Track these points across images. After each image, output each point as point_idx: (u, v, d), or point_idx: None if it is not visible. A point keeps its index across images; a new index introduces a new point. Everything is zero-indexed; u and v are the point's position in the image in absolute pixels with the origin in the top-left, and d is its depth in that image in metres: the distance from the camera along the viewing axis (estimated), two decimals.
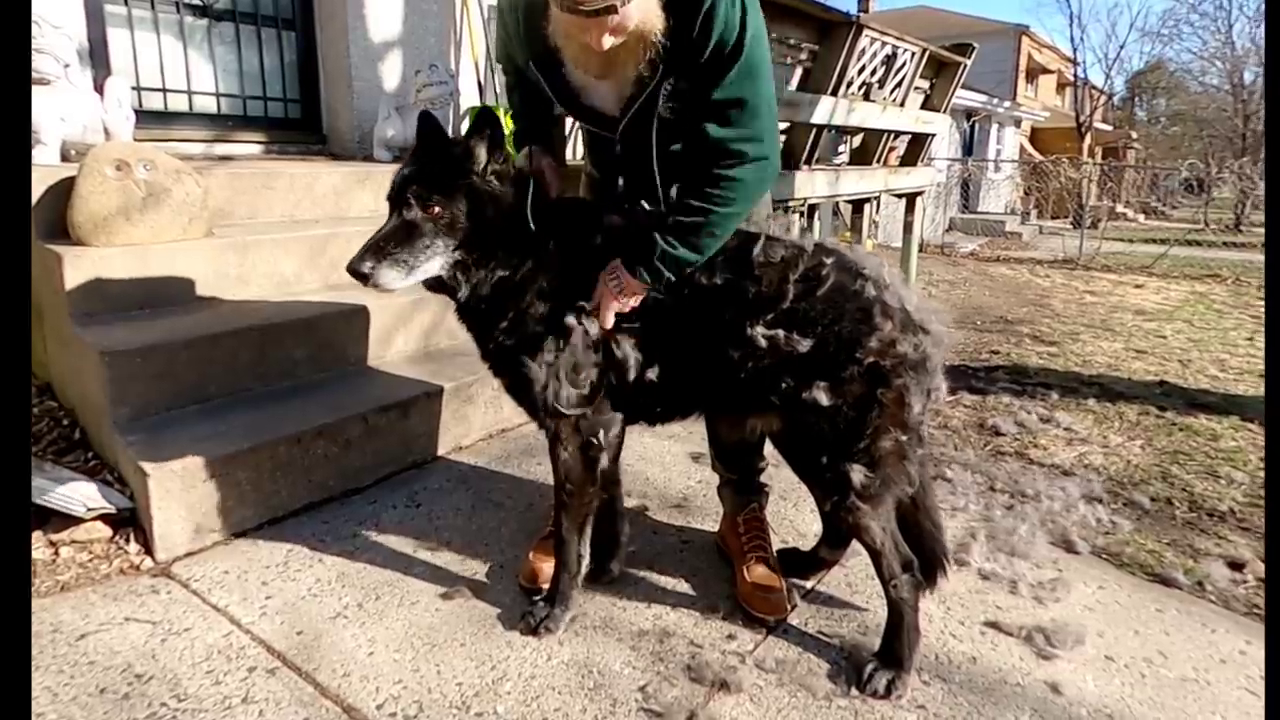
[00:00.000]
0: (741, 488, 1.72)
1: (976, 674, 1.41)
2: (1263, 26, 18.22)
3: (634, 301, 1.37)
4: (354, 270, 1.26)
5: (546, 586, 1.57)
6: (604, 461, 1.47)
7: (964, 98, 13.05)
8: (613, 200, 1.58)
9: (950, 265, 7.80)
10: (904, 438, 1.33)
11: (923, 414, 1.36)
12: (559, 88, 1.46)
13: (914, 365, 1.32)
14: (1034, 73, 23.93)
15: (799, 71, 4.05)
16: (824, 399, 1.31)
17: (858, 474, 1.32)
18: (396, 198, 1.30)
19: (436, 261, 1.30)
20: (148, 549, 1.64)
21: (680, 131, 1.40)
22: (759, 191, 1.40)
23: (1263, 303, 5.81)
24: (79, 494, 1.66)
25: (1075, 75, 21.53)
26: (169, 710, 1.24)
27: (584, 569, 1.52)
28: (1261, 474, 2.40)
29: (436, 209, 1.27)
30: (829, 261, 1.35)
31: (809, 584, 1.66)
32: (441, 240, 1.28)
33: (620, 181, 1.59)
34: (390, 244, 1.26)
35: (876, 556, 1.38)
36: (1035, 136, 20.19)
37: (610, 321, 1.36)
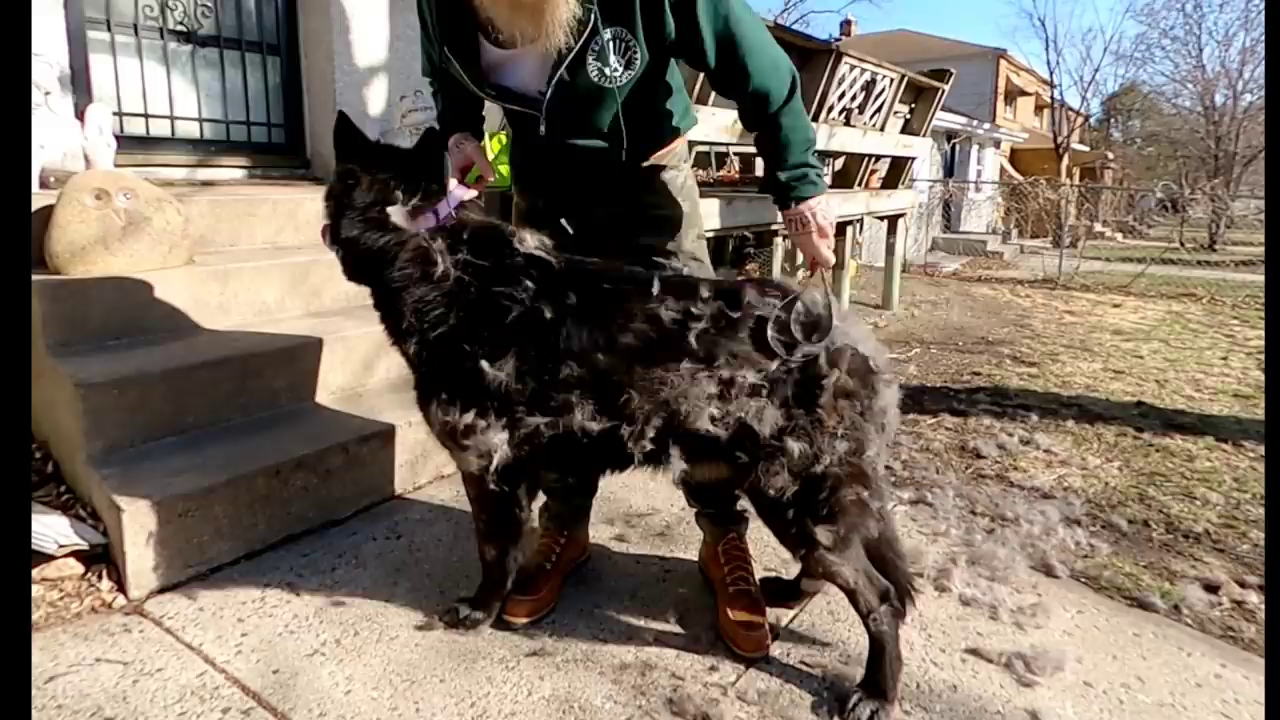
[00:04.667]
0: (720, 519, 1.71)
1: (957, 702, 1.41)
2: (1232, 49, 18.78)
3: (833, 216, 1.44)
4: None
5: (525, 621, 1.57)
6: (514, 494, 1.47)
7: (944, 120, 13.32)
8: (535, 220, 1.56)
9: (933, 285, 7.90)
10: (864, 489, 1.33)
11: (879, 454, 1.36)
12: (476, 70, 1.44)
13: (866, 410, 1.32)
14: (1012, 95, 24.49)
15: None
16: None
17: (823, 532, 1.32)
18: None
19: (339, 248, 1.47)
20: (120, 586, 1.61)
21: (626, 96, 1.40)
22: (790, 81, 1.42)
23: (1237, 323, 5.94)
24: (51, 530, 1.63)
25: (1052, 97, 22.06)
26: None
27: (509, 584, 1.56)
28: (1236, 494, 2.44)
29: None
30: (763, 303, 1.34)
31: (792, 612, 1.66)
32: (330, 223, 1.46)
33: (541, 203, 1.59)
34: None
35: (852, 594, 1.38)
36: (1015, 157, 20.61)
37: (830, 255, 1.42)
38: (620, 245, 1.56)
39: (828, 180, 1.45)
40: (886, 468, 2.55)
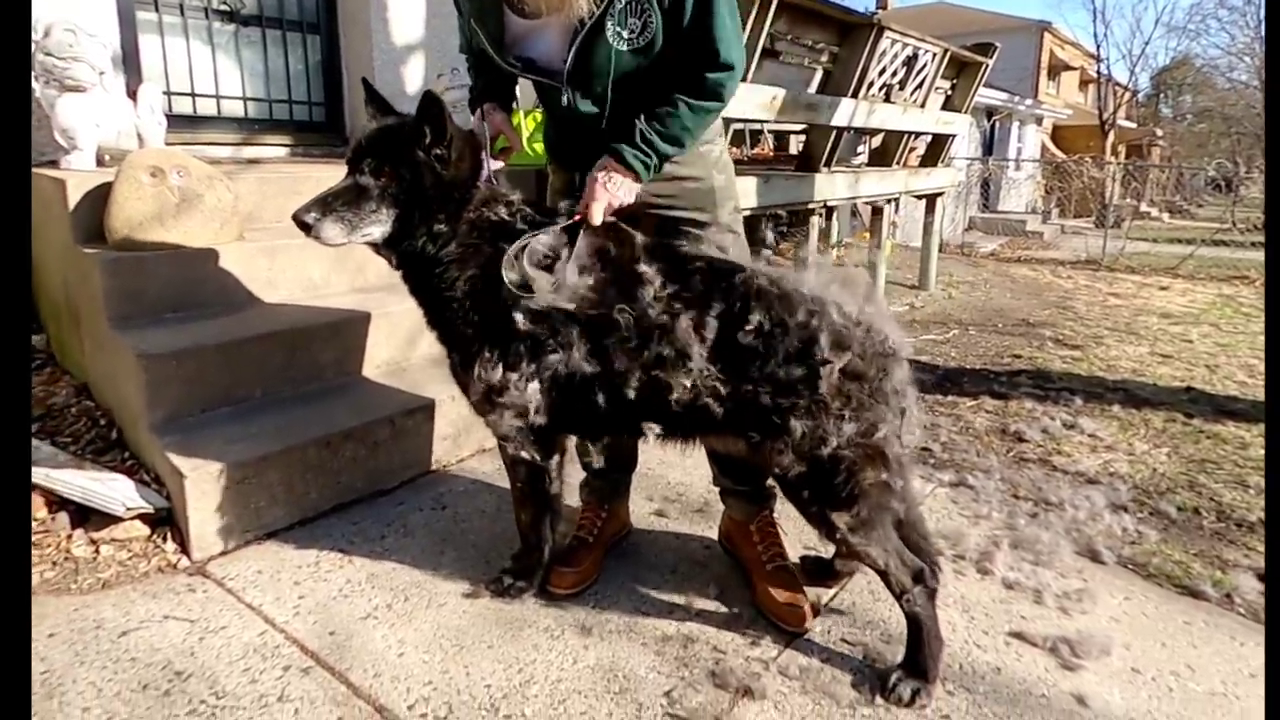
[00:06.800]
0: (752, 496, 1.71)
1: (1001, 684, 1.41)
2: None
3: (625, 197, 1.41)
4: (298, 219, 1.32)
5: (568, 591, 1.61)
6: (545, 465, 1.50)
7: (985, 96, 12.88)
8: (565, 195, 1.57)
9: (970, 266, 7.72)
10: (884, 471, 1.32)
11: (897, 435, 1.33)
12: (499, 40, 1.45)
13: (876, 391, 1.30)
14: (1056, 70, 23.56)
15: (819, 74, 4.04)
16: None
17: (841, 516, 1.32)
18: (353, 160, 1.37)
19: (377, 228, 1.37)
20: (184, 548, 1.69)
21: (639, 62, 1.40)
22: (726, 90, 1.42)
23: None
24: (118, 493, 1.70)
25: (1099, 72, 21.17)
26: (208, 707, 1.27)
27: (546, 552, 1.59)
28: None
29: (384, 177, 1.34)
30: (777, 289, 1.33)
31: (831, 591, 1.66)
32: (385, 208, 1.35)
33: (575, 177, 1.58)
34: (339, 202, 1.34)
35: (883, 575, 1.38)
36: (1058, 134, 19.90)
37: (599, 217, 1.39)
38: (656, 217, 1.57)
39: (644, 181, 1.45)
40: (925, 449, 2.53)
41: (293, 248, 2.37)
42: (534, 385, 1.39)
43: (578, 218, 1.40)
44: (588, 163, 1.56)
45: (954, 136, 5.68)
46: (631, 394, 1.36)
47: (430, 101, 1.31)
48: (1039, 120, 17.84)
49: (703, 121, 1.44)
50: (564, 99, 1.46)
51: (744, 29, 2.82)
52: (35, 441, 1.92)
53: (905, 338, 1.36)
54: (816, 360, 1.27)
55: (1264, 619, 1.67)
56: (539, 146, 1.71)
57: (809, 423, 1.28)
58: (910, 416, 1.37)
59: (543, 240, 1.36)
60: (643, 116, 1.41)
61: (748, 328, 1.31)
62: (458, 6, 1.53)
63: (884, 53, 4.01)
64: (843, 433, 1.28)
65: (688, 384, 1.33)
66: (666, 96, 1.41)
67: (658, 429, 1.45)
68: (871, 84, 4.04)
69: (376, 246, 1.41)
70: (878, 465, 1.31)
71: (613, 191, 1.40)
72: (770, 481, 1.72)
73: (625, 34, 1.36)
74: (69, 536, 1.68)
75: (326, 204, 1.33)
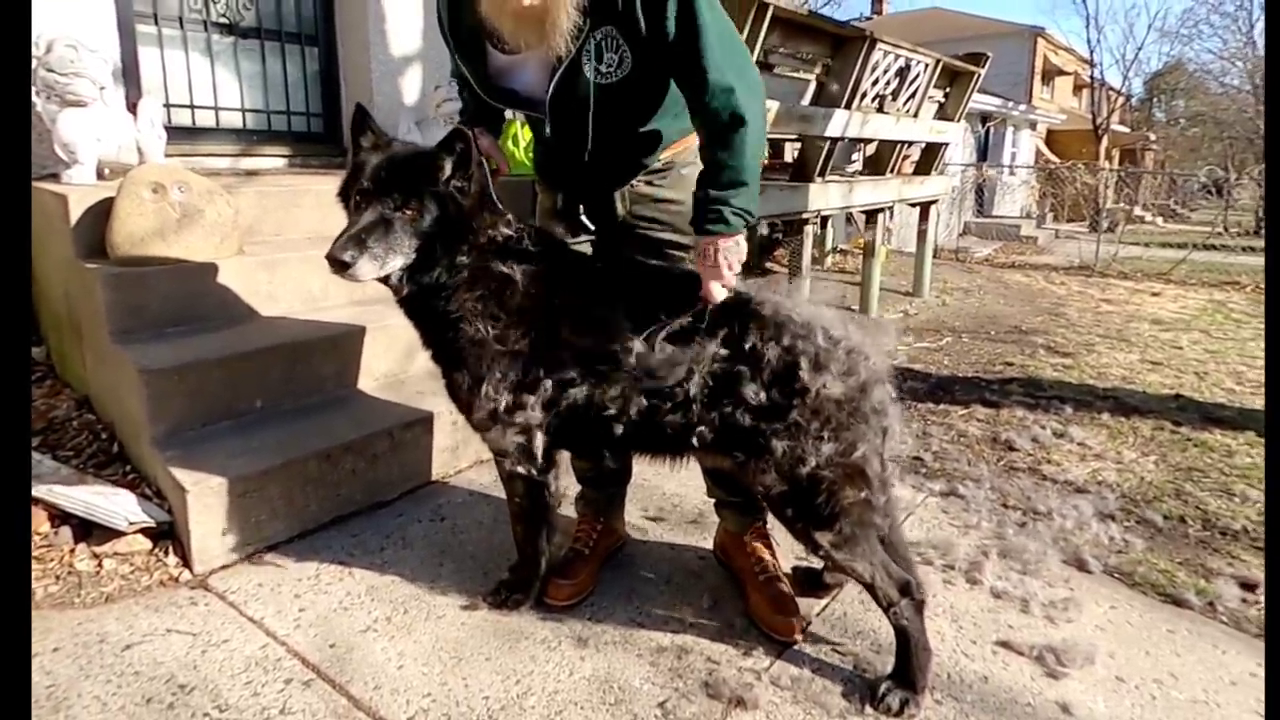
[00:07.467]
0: (745, 508, 1.73)
1: (988, 693, 1.44)
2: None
3: (736, 257, 1.38)
4: (335, 258, 1.31)
5: (565, 603, 1.63)
6: (543, 479, 1.54)
7: (979, 101, 12.98)
8: (557, 216, 1.62)
9: (964, 271, 7.77)
10: (864, 488, 1.35)
11: (876, 453, 1.37)
12: (482, 75, 1.49)
13: (855, 411, 1.34)
14: (1050, 75, 23.73)
15: (813, 85, 4.08)
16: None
17: (824, 534, 1.36)
18: (371, 192, 1.35)
19: (401, 261, 1.37)
20: (186, 562, 1.71)
21: (616, 96, 1.41)
22: (741, 107, 1.33)
23: None
24: (120, 508, 1.73)
25: (1092, 77, 21.34)
26: None
27: (543, 564, 1.62)
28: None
29: (410, 210, 1.35)
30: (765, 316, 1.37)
31: (823, 602, 1.69)
32: (408, 240, 1.36)
33: (561, 199, 1.62)
34: (371, 238, 1.33)
35: (870, 589, 1.41)
36: (1052, 139, 20.03)
37: (721, 293, 1.37)
38: (640, 239, 1.60)
39: (745, 221, 1.39)
40: (916, 458, 2.57)
41: (292, 261, 2.40)
42: (544, 412, 1.44)
43: (704, 305, 1.38)
44: (574, 185, 1.60)
45: (947, 145, 5.73)
46: (635, 423, 1.41)
47: (458, 135, 1.35)
48: (1033, 125, 17.95)
49: (744, 150, 1.35)
50: (547, 129, 1.50)
51: None
52: (37, 455, 1.94)
53: (887, 360, 1.39)
54: (797, 384, 1.31)
55: (1258, 627, 1.71)
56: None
57: (788, 443, 1.32)
58: (893, 434, 1.41)
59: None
60: (699, 186, 1.39)
61: (738, 353, 1.34)
62: (446, 41, 1.56)
63: (876, 64, 4.06)
64: (821, 453, 1.31)
65: (682, 419, 1.38)
66: (705, 139, 1.39)
67: (653, 450, 1.50)
68: (865, 95, 4.09)
69: (385, 276, 1.42)
70: (858, 484, 1.35)
71: (723, 260, 1.36)
72: None
73: (602, 68, 1.38)
74: (72, 551, 1.71)
75: (361, 241, 1.32)
